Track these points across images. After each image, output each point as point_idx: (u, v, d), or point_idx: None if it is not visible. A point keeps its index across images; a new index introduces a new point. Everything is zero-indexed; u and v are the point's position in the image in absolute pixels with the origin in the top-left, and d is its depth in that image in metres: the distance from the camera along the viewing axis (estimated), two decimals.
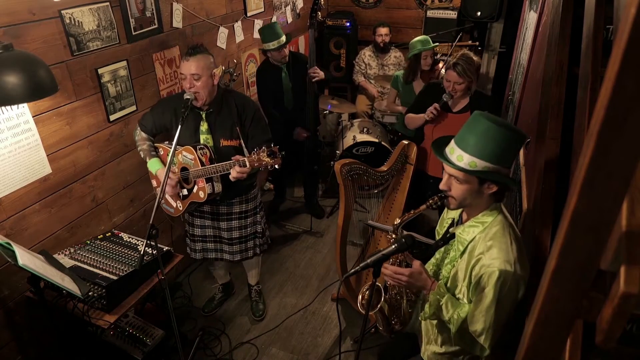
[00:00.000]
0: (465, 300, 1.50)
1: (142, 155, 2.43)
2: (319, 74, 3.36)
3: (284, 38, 3.26)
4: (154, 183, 2.56)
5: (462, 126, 1.46)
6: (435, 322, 1.67)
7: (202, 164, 2.24)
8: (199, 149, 2.25)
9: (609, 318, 0.56)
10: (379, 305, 1.65)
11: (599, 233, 0.55)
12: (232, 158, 2.13)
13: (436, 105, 2.71)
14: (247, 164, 2.07)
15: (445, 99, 2.69)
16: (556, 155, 1.52)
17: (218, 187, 2.31)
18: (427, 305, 1.58)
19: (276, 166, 2.07)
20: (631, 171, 0.49)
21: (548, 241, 1.42)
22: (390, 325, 1.89)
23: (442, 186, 1.50)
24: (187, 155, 2.27)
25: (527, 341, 0.69)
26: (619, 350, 1.09)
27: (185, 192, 2.40)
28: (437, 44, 3.58)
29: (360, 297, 1.71)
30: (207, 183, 2.27)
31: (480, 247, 1.45)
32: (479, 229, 1.47)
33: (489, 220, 1.46)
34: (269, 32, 3.27)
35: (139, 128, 2.45)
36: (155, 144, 2.47)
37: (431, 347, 1.74)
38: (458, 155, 1.42)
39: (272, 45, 3.24)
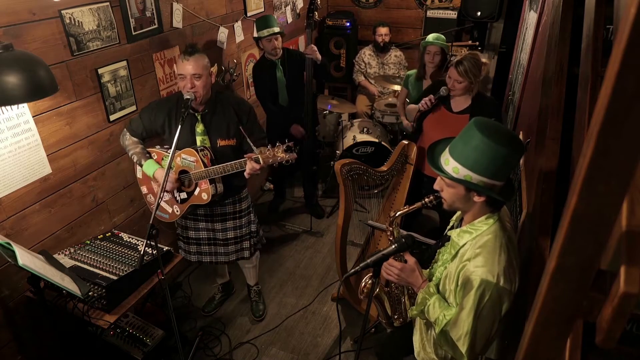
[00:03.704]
0: (453, 303, 1.51)
1: (135, 159, 2.37)
2: (314, 52, 3.32)
3: (276, 29, 3.26)
4: (144, 190, 2.52)
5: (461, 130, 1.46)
6: (424, 321, 1.68)
7: (205, 166, 2.24)
8: (200, 151, 2.25)
9: (609, 318, 0.56)
10: (376, 291, 1.66)
11: (599, 233, 0.55)
12: (245, 156, 2.13)
13: (431, 96, 2.70)
14: (261, 160, 2.08)
15: (442, 93, 2.67)
16: (556, 155, 1.52)
17: (220, 188, 2.32)
18: (416, 304, 1.60)
19: (291, 160, 2.10)
20: (631, 171, 0.49)
21: (548, 242, 1.42)
22: (390, 318, 1.90)
23: (435, 186, 1.52)
24: (187, 158, 2.27)
25: (527, 341, 0.69)
26: (619, 350, 1.09)
27: (184, 195, 2.38)
28: (445, 43, 3.48)
29: (362, 284, 1.72)
30: (210, 184, 2.27)
31: (468, 253, 1.45)
32: (472, 236, 1.47)
33: (483, 228, 1.46)
34: (262, 20, 3.29)
35: (127, 133, 2.39)
36: (148, 149, 2.41)
37: (425, 349, 1.74)
38: (446, 159, 1.43)
39: (262, 33, 3.25)
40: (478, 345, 1.45)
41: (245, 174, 2.17)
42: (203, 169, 2.24)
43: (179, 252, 2.76)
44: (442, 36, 3.48)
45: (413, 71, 3.70)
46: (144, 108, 2.42)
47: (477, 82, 2.60)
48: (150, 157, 2.38)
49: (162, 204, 2.45)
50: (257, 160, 2.08)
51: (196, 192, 2.34)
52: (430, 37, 3.44)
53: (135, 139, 2.39)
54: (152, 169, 2.33)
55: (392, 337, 2.12)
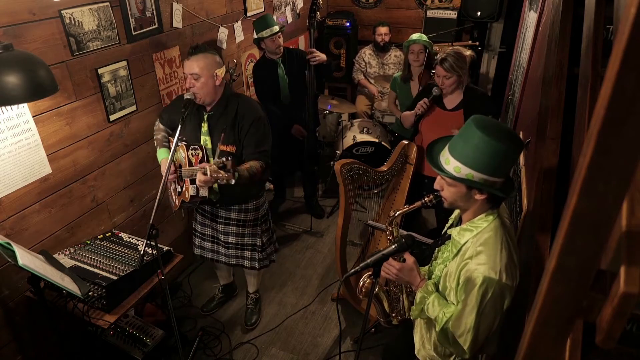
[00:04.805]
0: (454, 300, 1.51)
1: (155, 144, 2.50)
2: (318, 55, 3.30)
3: (276, 27, 3.26)
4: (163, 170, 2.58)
5: (460, 126, 1.47)
6: (425, 319, 1.68)
7: (190, 164, 2.23)
8: (191, 149, 2.23)
9: (609, 318, 0.56)
10: (375, 290, 1.66)
11: (599, 233, 0.55)
12: (199, 164, 2.06)
13: (425, 100, 2.75)
14: (208, 173, 1.93)
15: (435, 93, 2.72)
16: (556, 155, 1.52)
17: (203, 191, 2.23)
18: (415, 304, 1.60)
19: (232, 182, 1.93)
20: (631, 171, 0.49)
21: (548, 242, 1.42)
22: (388, 316, 1.90)
23: (435, 185, 1.53)
24: (181, 153, 2.28)
25: (527, 341, 0.69)
26: (619, 350, 1.09)
27: (179, 188, 2.40)
28: (428, 41, 3.45)
29: (361, 283, 1.72)
30: (191, 184, 2.23)
31: (470, 251, 1.46)
32: (473, 233, 1.48)
33: (484, 225, 1.46)
34: (261, 21, 3.28)
35: (158, 119, 2.55)
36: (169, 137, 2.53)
37: (425, 347, 1.75)
38: (446, 159, 1.43)
39: (265, 33, 3.24)
40: (480, 340, 1.46)
41: (196, 182, 2.09)
42: (187, 167, 2.24)
43: (180, 252, 2.76)
44: (424, 35, 3.48)
45: (399, 73, 3.69)
46: (174, 99, 2.63)
47: (465, 75, 2.64)
48: (168, 145, 2.50)
49: (171, 191, 2.53)
50: (204, 172, 1.97)
51: (183, 189, 2.34)
52: (413, 36, 3.44)
53: (162, 126, 2.52)
54: (161, 156, 2.46)
55: (397, 339, 2.11)
